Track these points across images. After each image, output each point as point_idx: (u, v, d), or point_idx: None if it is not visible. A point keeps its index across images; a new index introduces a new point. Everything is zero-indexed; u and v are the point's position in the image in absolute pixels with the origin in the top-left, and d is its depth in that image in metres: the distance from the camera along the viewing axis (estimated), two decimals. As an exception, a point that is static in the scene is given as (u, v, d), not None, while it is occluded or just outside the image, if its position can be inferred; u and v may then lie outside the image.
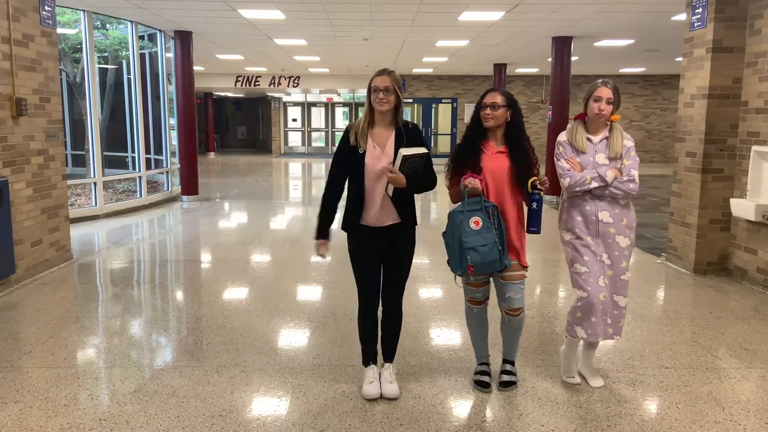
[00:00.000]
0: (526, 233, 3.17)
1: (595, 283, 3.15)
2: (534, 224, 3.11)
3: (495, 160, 3.10)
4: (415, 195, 3.13)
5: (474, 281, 3.19)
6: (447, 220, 3.09)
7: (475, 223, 2.98)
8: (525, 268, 3.17)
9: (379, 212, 3.03)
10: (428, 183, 3.08)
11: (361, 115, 3.19)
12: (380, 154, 3.01)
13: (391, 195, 2.99)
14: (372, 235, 3.08)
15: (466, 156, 3.12)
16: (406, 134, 3.05)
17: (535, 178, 3.06)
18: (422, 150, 2.94)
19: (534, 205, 3.08)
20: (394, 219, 3.06)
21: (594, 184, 3.14)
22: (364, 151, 3.01)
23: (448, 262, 3.12)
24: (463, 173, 3.07)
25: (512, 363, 3.38)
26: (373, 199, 3.03)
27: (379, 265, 3.14)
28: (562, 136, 3.30)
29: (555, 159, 3.28)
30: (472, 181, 2.99)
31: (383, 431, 2.87)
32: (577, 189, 3.17)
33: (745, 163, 5.55)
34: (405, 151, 2.89)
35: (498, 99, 3.06)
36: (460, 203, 3.06)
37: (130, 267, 6.14)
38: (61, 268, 5.88)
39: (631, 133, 3.21)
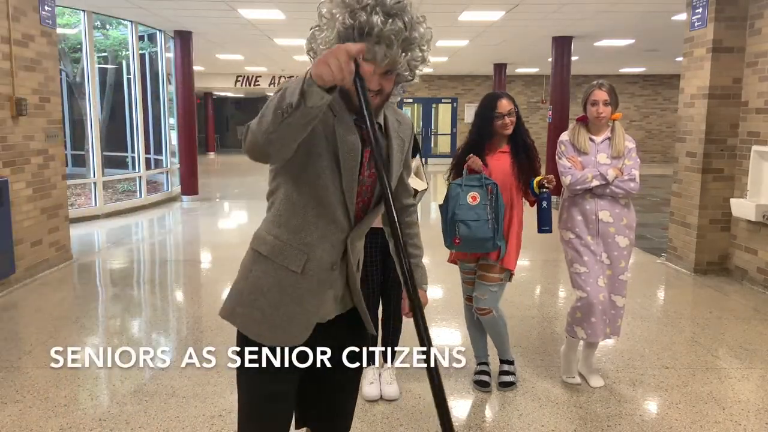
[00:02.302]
0: (538, 233, 3.17)
1: (594, 283, 3.15)
2: (546, 223, 3.12)
3: (498, 160, 3.10)
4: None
5: (468, 279, 3.20)
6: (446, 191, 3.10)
7: (473, 198, 2.97)
8: (509, 272, 3.14)
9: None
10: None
11: None
12: None
13: None
14: (372, 236, 3.08)
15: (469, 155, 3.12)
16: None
17: (540, 177, 3.06)
18: (418, 186, 2.87)
19: (544, 204, 3.10)
20: None
21: (595, 183, 3.14)
22: None
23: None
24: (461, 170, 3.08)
25: (510, 363, 3.37)
26: None
27: (380, 266, 3.14)
28: (564, 136, 3.31)
29: (557, 158, 3.29)
30: (474, 158, 2.98)
31: (383, 431, 2.87)
32: (578, 187, 3.17)
33: (745, 163, 5.55)
34: None
35: (512, 106, 3.06)
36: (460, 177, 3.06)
37: (129, 267, 6.14)
38: (60, 268, 5.88)
39: (631, 133, 3.23)
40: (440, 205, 3.08)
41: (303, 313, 1.61)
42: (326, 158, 1.52)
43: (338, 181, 1.54)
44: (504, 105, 3.06)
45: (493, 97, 3.12)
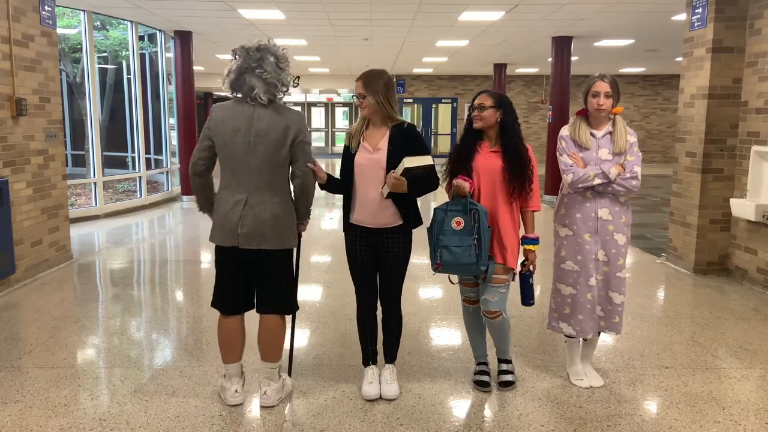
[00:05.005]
0: (522, 305, 3.23)
1: (585, 282, 3.16)
2: (531, 297, 3.19)
3: (487, 159, 3.09)
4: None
5: (465, 280, 3.21)
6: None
7: (457, 223, 2.98)
8: (512, 271, 3.14)
9: (376, 212, 3.03)
10: (429, 187, 3.05)
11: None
12: (372, 153, 3.02)
13: (385, 196, 2.99)
14: (366, 235, 3.08)
15: (459, 157, 3.13)
16: (401, 134, 3.02)
17: (523, 260, 3.15)
18: (427, 161, 2.90)
19: (531, 281, 3.17)
20: (391, 221, 3.05)
21: (597, 181, 3.12)
22: (355, 151, 3.04)
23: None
24: (457, 174, 3.08)
25: (508, 362, 3.37)
26: (367, 198, 3.02)
27: (375, 265, 3.14)
28: (564, 131, 3.27)
29: (557, 154, 3.26)
30: (460, 183, 3.00)
31: (383, 431, 2.87)
32: (580, 185, 3.15)
33: (745, 163, 5.56)
34: (408, 162, 2.85)
35: (486, 101, 3.05)
36: (445, 202, 3.08)
37: (129, 267, 6.14)
38: (61, 268, 5.88)
39: (631, 133, 3.25)
40: (428, 228, 3.09)
41: None
42: None
43: None
44: (479, 98, 3.08)
45: (479, 92, 3.15)
